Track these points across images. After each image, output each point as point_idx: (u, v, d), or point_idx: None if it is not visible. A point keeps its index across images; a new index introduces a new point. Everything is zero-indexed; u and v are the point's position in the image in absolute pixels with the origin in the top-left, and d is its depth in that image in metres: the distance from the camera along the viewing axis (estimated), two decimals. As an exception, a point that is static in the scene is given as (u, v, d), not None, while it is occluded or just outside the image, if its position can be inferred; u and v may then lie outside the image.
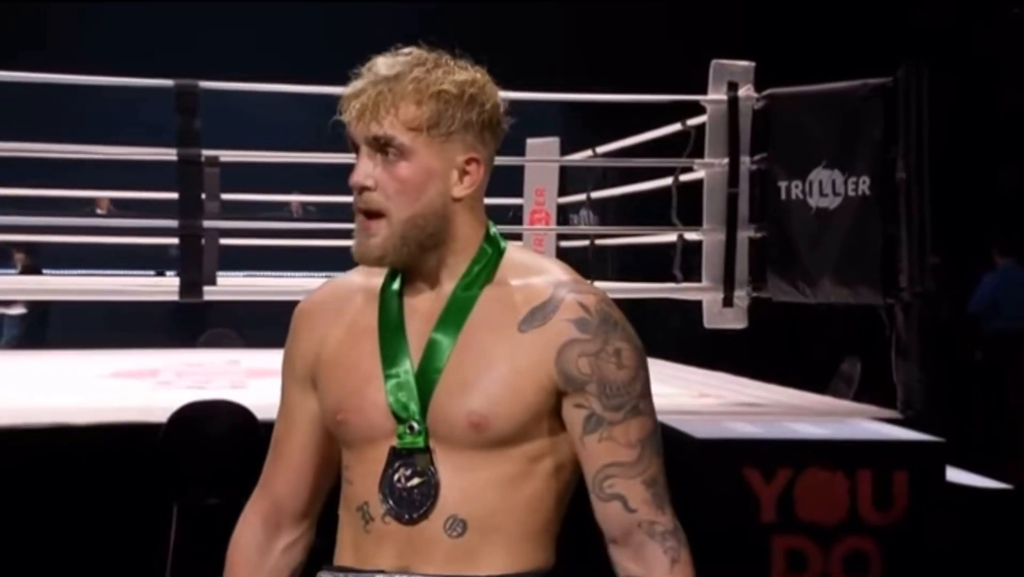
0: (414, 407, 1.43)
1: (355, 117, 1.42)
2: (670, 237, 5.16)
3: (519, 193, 6.61)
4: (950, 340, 6.77)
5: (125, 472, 3.78)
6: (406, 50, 1.44)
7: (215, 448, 3.76)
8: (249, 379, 5.26)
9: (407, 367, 1.44)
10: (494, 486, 1.43)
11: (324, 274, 6.41)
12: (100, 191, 6.77)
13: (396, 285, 1.49)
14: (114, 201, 7.03)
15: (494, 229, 1.51)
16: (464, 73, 1.44)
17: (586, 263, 6.21)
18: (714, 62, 4.98)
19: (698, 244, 5.00)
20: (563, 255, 6.22)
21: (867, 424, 4.36)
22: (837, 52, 7.14)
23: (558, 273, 1.48)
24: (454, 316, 1.44)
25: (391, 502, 1.44)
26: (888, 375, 4.46)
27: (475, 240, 1.47)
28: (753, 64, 4.99)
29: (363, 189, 1.42)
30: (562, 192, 6.83)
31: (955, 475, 4.03)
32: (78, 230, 5.96)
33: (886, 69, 4.46)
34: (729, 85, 4.93)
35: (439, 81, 1.41)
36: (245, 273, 5.87)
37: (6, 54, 7.90)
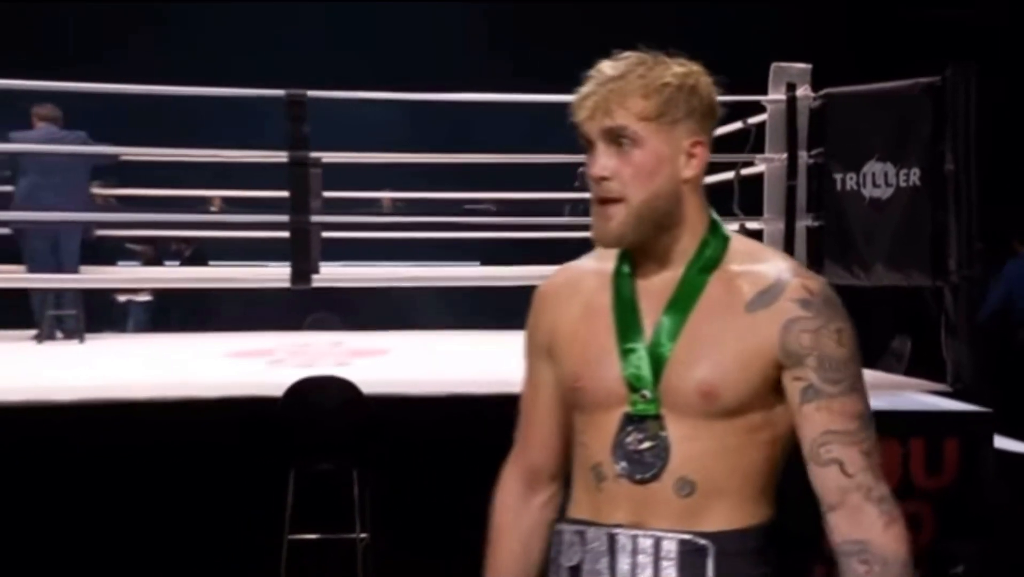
0: (647, 377, 1.52)
1: (588, 116, 1.53)
2: (732, 227, 5.38)
3: (583, 188, 6.80)
4: (997, 320, 6.91)
5: (248, 440, 4.12)
6: (626, 53, 1.56)
7: (327, 419, 4.11)
8: (352, 358, 5.56)
9: (641, 342, 1.54)
10: (718, 454, 1.52)
11: (412, 264, 6.74)
12: (212, 191, 7.15)
13: (627, 268, 1.59)
14: (224, 199, 7.39)
15: (717, 219, 1.60)
16: (682, 67, 1.54)
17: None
18: (774, 65, 5.25)
19: (759, 233, 5.24)
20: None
21: (919, 396, 4.59)
22: (890, 53, 7.28)
23: (781, 261, 1.57)
24: (685, 297, 1.54)
25: (624, 462, 1.52)
26: (936, 352, 4.62)
27: (702, 223, 1.57)
28: (810, 66, 5.24)
29: (601, 179, 1.52)
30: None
31: (1003, 443, 4.28)
32: (194, 225, 6.32)
33: (938, 69, 4.64)
34: (788, 86, 5.21)
35: (661, 76, 1.52)
36: (341, 263, 6.24)
37: (121, 55, 8.28)
